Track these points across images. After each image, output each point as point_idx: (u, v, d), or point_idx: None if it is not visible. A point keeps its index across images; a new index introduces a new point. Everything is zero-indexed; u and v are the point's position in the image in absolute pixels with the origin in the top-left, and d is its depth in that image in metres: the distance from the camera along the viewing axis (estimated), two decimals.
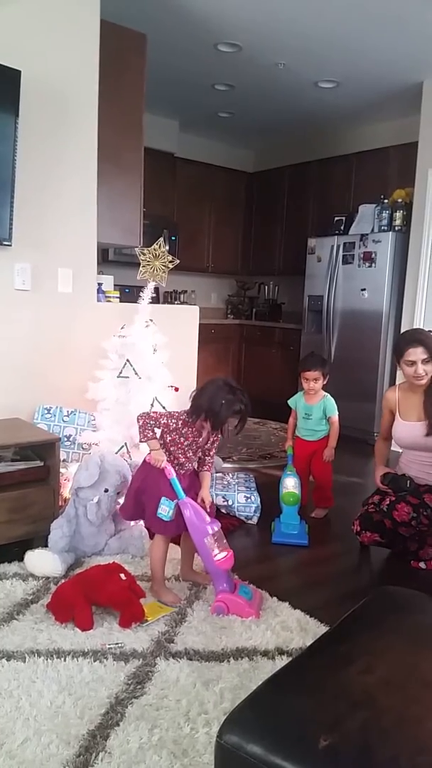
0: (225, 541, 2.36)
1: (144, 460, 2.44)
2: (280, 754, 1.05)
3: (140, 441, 2.38)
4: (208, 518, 2.32)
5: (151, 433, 2.34)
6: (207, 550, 2.29)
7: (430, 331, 3.06)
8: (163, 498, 2.31)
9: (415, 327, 4.99)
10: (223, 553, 2.31)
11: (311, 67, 4.80)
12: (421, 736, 1.09)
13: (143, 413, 2.37)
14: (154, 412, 2.40)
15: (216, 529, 2.32)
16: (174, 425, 2.35)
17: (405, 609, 1.55)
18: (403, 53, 4.43)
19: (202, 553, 2.32)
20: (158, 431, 2.38)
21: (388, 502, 2.80)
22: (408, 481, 2.79)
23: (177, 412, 2.40)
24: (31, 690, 1.80)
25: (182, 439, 2.36)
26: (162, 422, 2.36)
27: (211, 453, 2.48)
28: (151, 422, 2.34)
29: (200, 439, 2.38)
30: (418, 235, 5.01)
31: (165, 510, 2.30)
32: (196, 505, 2.33)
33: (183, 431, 2.35)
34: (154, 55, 4.06)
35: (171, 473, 2.31)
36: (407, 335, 2.95)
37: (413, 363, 2.78)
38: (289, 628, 2.21)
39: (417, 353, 2.76)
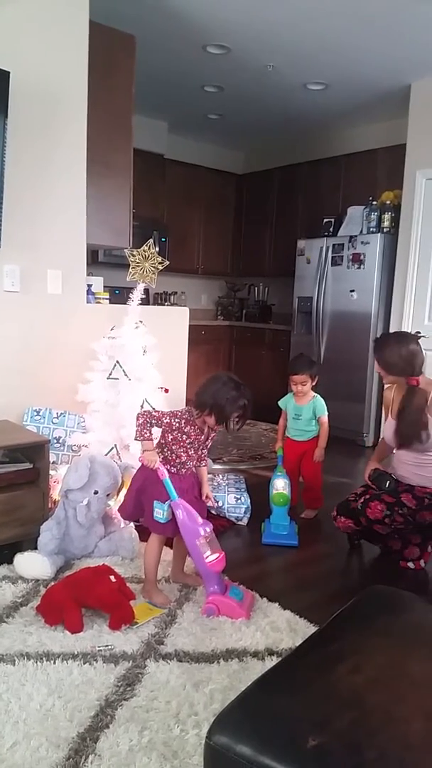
0: (217, 542, 2.37)
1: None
2: (269, 755, 1.06)
3: (135, 439, 2.37)
4: (200, 519, 2.32)
5: (147, 433, 2.33)
6: (199, 551, 2.29)
7: (417, 332, 3.06)
8: (155, 501, 2.31)
9: (401, 329, 5.03)
10: (215, 555, 2.30)
11: (300, 69, 4.82)
12: (408, 734, 1.09)
13: (145, 411, 2.37)
14: (156, 411, 2.40)
15: (208, 530, 2.32)
16: (177, 424, 2.35)
17: (393, 608, 1.56)
18: (392, 56, 4.46)
19: (194, 555, 2.31)
20: (158, 431, 2.37)
21: (362, 501, 2.81)
22: (388, 482, 2.79)
23: (179, 410, 2.40)
24: (20, 693, 1.79)
25: (184, 437, 2.36)
26: (165, 422, 2.36)
27: (207, 449, 2.49)
28: (153, 421, 2.34)
29: (201, 437, 2.39)
30: (406, 236, 5.04)
31: (159, 513, 2.30)
32: (188, 506, 2.32)
33: (185, 429, 2.36)
34: (143, 57, 4.06)
35: (164, 474, 2.31)
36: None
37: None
38: (278, 628, 2.22)
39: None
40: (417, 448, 2.74)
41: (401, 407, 2.76)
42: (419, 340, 2.79)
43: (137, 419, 2.34)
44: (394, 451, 2.96)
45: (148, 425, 2.33)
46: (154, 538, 2.41)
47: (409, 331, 4.98)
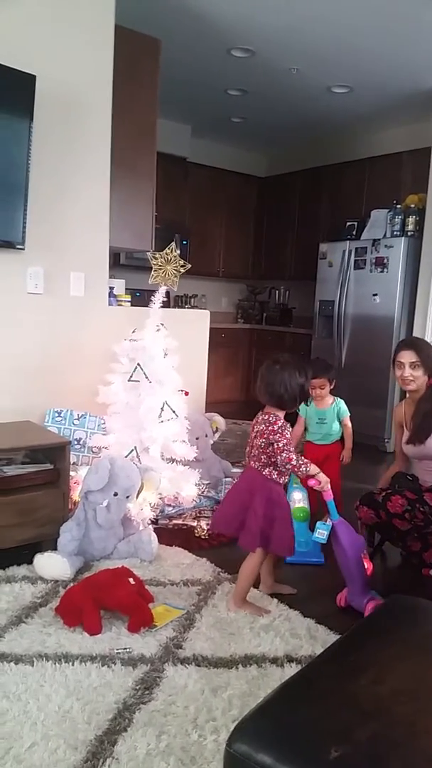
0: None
1: (268, 489, 2.29)
2: (290, 765, 1.04)
3: (304, 470, 2.25)
4: (356, 533, 2.40)
5: (302, 459, 2.27)
6: (362, 563, 2.34)
7: None
8: (318, 522, 2.35)
9: (424, 334, 4.97)
10: (367, 565, 2.37)
11: (324, 73, 4.79)
12: (431, 746, 1.07)
13: (288, 452, 2.23)
14: (281, 435, 2.24)
15: (364, 542, 2.41)
16: (288, 434, 2.29)
17: (416, 618, 1.53)
18: (416, 58, 4.42)
19: (358, 568, 2.34)
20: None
21: (384, 494, 2.79)
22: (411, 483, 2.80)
23: (280, 418, 2.29)
24: (39, 694, 1.79)
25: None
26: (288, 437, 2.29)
27: None
28: (292, 450, 2.26)
29: None
30: (430, 240, 4.98)
31: (322, 534, 2.33)
32: (347, 524, 2.38)
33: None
34: (167, 60, 4.07)
35: (331, 495, 2.32)
36: (404, 339, 2.99)
37: (402, 365, 2.81)
38: (298, 635, 2.19)
39: (406, 356, 2.80)
40: (428, 452, 2.72)
41: (423, 408, 2.79)
42: None
43: (288, 456, 2.22)
44: (414, 462, 2.93)
45: (293, 452, 2.25)
46: (258, 556, 2.34)
47: (427, 336, 4.94)
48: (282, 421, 2.28)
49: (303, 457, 2.28)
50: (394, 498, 2.73)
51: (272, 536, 2.27)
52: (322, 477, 2.27)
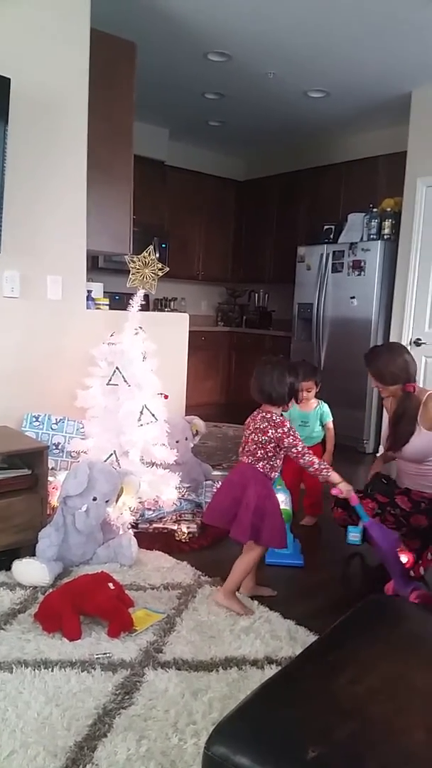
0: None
1: (260, 482, 2.34)
2: (268, 766, 1.05)
3: (328, 473, 2.33)
4: (388, 531, 2.49)
5: (324, 464, 2.35)
6: (399, 558, 2.42)
7: (418, 339, 3.07)
8: (349, 526, 2.52)
9: (401, 336, 5.03)
10: (406, 557, 2.47)
11: (301, 77, 4.83)
12: (409, 746, 1.08)
13: (310, 455, 2.33)
14: (293, 438, 2.32)
15: (398, 537, 2.49)
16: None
17: (393, 618, 1.54)
18: (392, 64, 4.48)
19: (395, 562, 2.43)
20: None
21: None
22: (384, 483, 2.85)
23: (285, 419, 2.38)
24: (18, 701, 1.78)
25: None
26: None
27: None
28: (310, 451, 2.35)
29: None
30: (406, 243, 5.04)
31: (356, 537, 2.55)
32: (378, 524, 2.50)
33: None
34: (144, 64, 4.07)
35: (356, 500, 2.40)
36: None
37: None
38: (278, 637, 2.20)
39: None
40: (408, 456, 2.75)
41: (398, 413, 2.78)
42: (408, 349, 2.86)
43: (311, 460, 2.32)
44: (397, 461, 2.96)
45: (313, 456, 2.34)
46: (257, 552, 2.38)
47: (404, 338, 4.99)
48: (288, 422, 2.36)
49: (324, 462, 2.37)
50: (365, 502, 2.75)
51: (263, 529, 2.30)
52: (344, 486, 2.36)
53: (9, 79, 2.93)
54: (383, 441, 2.96)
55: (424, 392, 2.78)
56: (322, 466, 2.33)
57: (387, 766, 1.04)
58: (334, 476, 2.35)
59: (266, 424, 2.34)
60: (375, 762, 1.04)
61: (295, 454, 2.33)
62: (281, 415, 2.41)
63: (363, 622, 1.53)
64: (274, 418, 2.35)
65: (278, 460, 2.38)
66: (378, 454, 3.16)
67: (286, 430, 2.32)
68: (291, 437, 2.32)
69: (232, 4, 3.74)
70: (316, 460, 2.33)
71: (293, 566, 2.89)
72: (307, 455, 2.32)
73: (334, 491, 2.38)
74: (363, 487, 2.93)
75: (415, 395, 2.74)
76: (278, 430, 2.32)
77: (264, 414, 2.37)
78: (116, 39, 3.74)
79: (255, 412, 2.43)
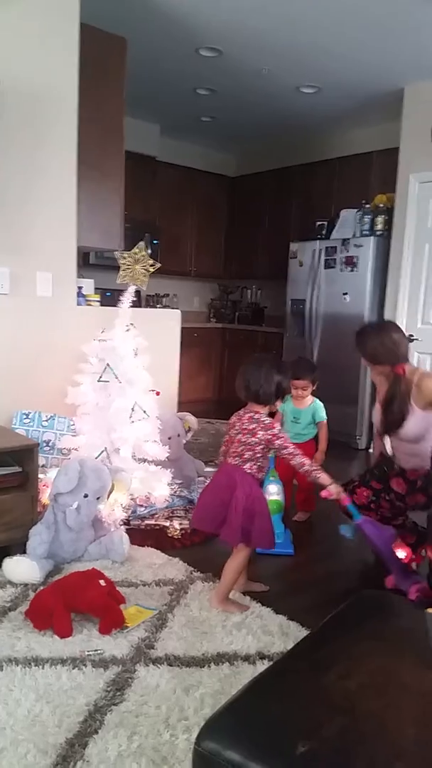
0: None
1: (248, 484, 2.31)
2: (258, 761, 1.04)
3: (318, 475, 2.31)
4: (381, 527, 2.45)
5: (314, 465, 2.32)
6: (395, 554, 2.38)
7: (410, 336, 3.05)
8: (342, 525, 2.43)
9: None
10: (404, 552, 2.41)
11: (293, 73, 4.82)
12: (399, 741, 1.08)
13: (301, 455, 2.30)
14: (279, 438, 2.30)
15: (394, 532, 2.44)
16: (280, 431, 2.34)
17: (384, 613, 1.54)
18: (384, 60, 4.47)
19: (392, 558, 2.39)
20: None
21: (353, 485, 2.82)
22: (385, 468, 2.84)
23: (273, 421, 2.35)
24: (8, 699, 1.77)
25: None
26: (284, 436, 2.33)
27: None
28: (300, 452, 2.33)
29: None
30: (399, 239, 5.04)
31: (347, 532, 2.42)
32: (371, 520, 2.45)
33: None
34: (135, 59, 4.05)
35: (348, 500, 2.37)
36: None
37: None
38: (270, 632, 2.20)
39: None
40: (402, 437, 2.73)
41: (388, 397, 2.72)
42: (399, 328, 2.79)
43: (303, 461, 2.29)
44: (391, 440, 2.91)
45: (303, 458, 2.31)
46: (244, 552, 2.35)
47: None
48: (277, 424, 2.35)
49: (315, 464, 2.35)
50: (360, 490, 2.77)
51: (252, 531, 2.29)
52: (333, 488, 2.33)
53: None
54: (376, 423, 2.91)
55: (414, 372, 2.72)
56: (313, 468, 2.30)
57: (376, 760, 1.04)
58: (324, 478, 2.32)
59: (255, 425, 2.30)
60: (364, 757, 1.04)
61: (286, 456, 2.30)
62: (276, 411, 2.40)
63: (354, 617, 1.53)
64: (263, 419, 2.31)
65: (266, 461, 2.36)
66: (375, 433, 3.12)
67: (276, 432, 2.29)
68: (281, 439, 2.30)
69: None
70: (307, 461, 2.31)
71: (284, 555, 2.91)
72: (298, 456, 2.30)
73: (323, 493, 2.34)
74: (368, 470, 2.92)
75: (406, 377, 2.68)
76: (268, 432, 2.29)
77: (252, 414, 2.33)
78: (106, 34, 3.72)
79: (241, 411, 2.38)
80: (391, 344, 2.67)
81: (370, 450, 5.20)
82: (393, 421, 2.71)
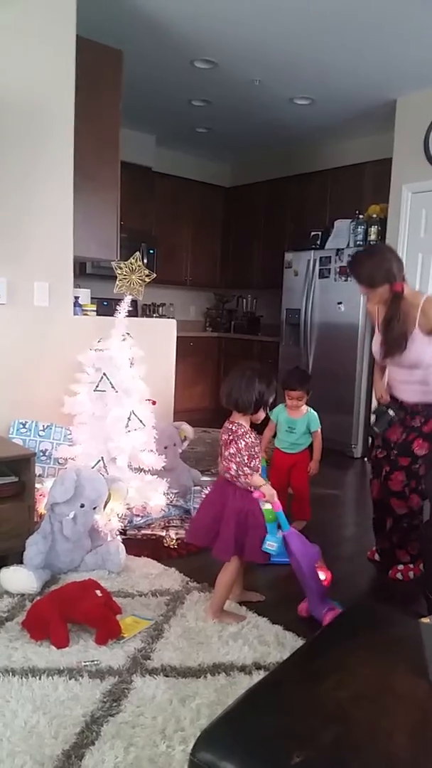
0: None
1: (239, 498, 2.29)
2: None
3: (243, 483, 2.24)
4: (309, 543, 2.38)
5: (248, 470, 2.23)
6: (317, 574, 2.33)
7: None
8: (267, 536, 2.28)
9: None
10: (324, 575, 2.40)
11: (286, 84, 4.87)
12: (392, 749, 1.09)
13: (229, 461, 2.23)
14: (237, 444, 2.23)
15: (319, 551, 2.38)
16: (250, 441, 2.27)
17: (378, 623, 1.56)
18: (377, 71, 4.52)
19: (311, 578, 2.33)
20: (255, 462, 2.27)
21: (384, 472, 2.84)
22: (389, 420, 2.84)
23: (242, 426, 2.28)
24: (5, 710, 1.77)
25: (257, 449, 2.30)
26: (256, 451, 2.28)
27: None
28: (244, 458, 2.22)
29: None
30: None
31: (272, 545, 2.28)
32: (299, 534, 2.36)
33: (253, 441, 2.29)
34: (130, 71, 4.09)
35: (279, 506, 2.29)
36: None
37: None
38: (266, 642, 2.20)
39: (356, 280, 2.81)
40: (403, 362, 2.72)
41: (388, 317, 2.70)
42: (391, 249, 2.78)
43: (228, 465, 2.22)
44: (388, 369, 2.90)
45: (243, 463, 2.23)
46: (235, 564, 2.33)
47: None
48: (244, 428, 2.28)
49: (247, 468, 2.23)
50: (395, 475, 2.79)
51: (246, 544, 2.28)
52: (267, 489, 2.26)
53: None
54: (375, 352, 2.86)
55: (418, 295, 2.72)
56: (240, 473, 2.21)
57: None
58: (256, 479, 2.25)
59: (229, 435, 2.27)
60: (359, 766, 1.05)
61: (225, 456, 2.25)
62: (259, 422, 2.35)
63: (348, 628, 1.54)
64: (233, 427, 2.27)
65: (254, 461, 2.28)
66: (375, 372, 3.11)
67: (235, 436, 2.24)
68: (233, 442, 2.24)
69: (218, 12, 3.77)
70: (233, 466, 2.22)
71: (281, 564, 2.91)
72: (227, 461, 2.23)
73: (255, 494, 2.26)
74: (373, 420, 2.95)
75: (406, 297, 2.67)
76: (232, 435, 2.26)
77: (230, 426, 2.30)
78: (103, 47, 3.76)
79: (226, 423, 2.34)
80: (387, 264, 2.67)
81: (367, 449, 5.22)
82: (394, 340, 2.68)
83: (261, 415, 2.31)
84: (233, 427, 2.28)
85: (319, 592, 2.36)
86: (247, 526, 2.27)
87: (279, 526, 2.35)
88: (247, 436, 2.27)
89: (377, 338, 2.83)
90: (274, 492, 2.28)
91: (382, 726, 1.15)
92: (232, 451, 2.23)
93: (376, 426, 2.91)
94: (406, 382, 2.81)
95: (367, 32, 3.92)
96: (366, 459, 2.93)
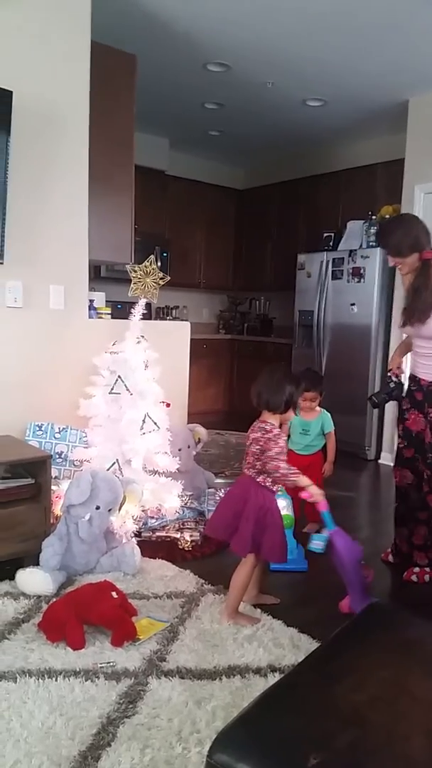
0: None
1: (261, 496, 2.32)
2: None
3: (290, 479, 2.28)
4: (352, 541, 2.41)
5: (292, 469, 2.29)
6: (360, 571, 2.37)
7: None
8: (314, 534, 2.41)
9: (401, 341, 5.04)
10: (366, 572, 2.43)
11: (299, 86, 4.87)
12: (409, 752, 1.09)
13: (278, 460, 2.27)
14: (274, 444, 2.28)
15: (361, 549, 2.41)
16: (282, 441, 2.32)
17: (393, 625, 1.55)
18: (389, 72, 4.51)
19: (356, 575, 2.36)
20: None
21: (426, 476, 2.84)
22: (390, 390, 2.88)
23: (275, 426, 2.33)
24: (22, 711, 1.79)
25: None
26: (281, 445, 2.31)
27: None
28: (283, 459, 2.29)
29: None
30: None
31: (319, 544, 2.37)
32: (343, 532, 2.40)
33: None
34: (144, 75, 4.11)
35: (325, 506, 2.33)
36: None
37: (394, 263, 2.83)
38: (281, 645, 2.21)
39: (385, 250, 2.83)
40: (425, 332, 2.71)
41: (416, 285, 2.72)
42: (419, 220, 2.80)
43: (277, 465, 2.26)
44: (413, 342, 2.91)
45: (284, 461, 2.29)
46: (249, 564, 2.36)
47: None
48: (277, 429, 2.33)
49: (294, 468, 2.30)
50: (403, 471, 2.85)
51: (263, 542, 2.30)
52: (314, 489, 2.31)
53: (11, 92, 2.97)
54: (397, 318, 2.88)
55: None
56: (288, 472, 2.26)
57: None
58: (303, 479, 2.30)
59: (259, 434, 2.31)
60: None
61: (266, 459, 2.27)
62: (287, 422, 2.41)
63: (364, 629, 1.54)
64: (266, 426, 2.32)
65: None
66: (394, 351, 3.13)
67: (271, 435, 2.28)
68: (271, 441, 2.27)
69: (231, 15, 3.78)
70: (282, 465, 2.26)
71: (297, 571, 2.90)
72: (275, 460, 2.26)
73: (303, 494, 2.33)
74: (379, 389, 2.96)
75: None
76: (265, 435, 2.29)
77: (260, 424, 2.34)
78: (117, 51, 3.78)
79: (254, 422, 2.40)
80: (414, 231, 2.71)
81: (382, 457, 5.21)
82: (419, 309, 2.68)
83: (290, 414, 2.38)
84: (267, 427, 2.32)
85: (361, 588, 2.39)
86: (265, 524, 2.29)
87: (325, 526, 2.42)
88: (282, 437, 2.33)
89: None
90: (321, 492, 2.33)
91: (399, 729, 1.15)
92: (276, 450, 2.27)
93: (375, 396, 2.95)
94: (427, 356, 2.78)
95: (379, 33, 3.92)
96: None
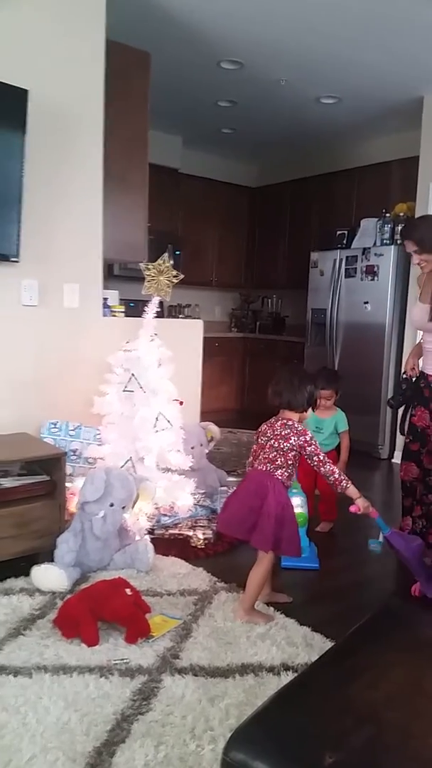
0: None
1: (279, 491, 2.33)
2: None
3: (344, 488, 2.34)
4: (410, 538, 2.44)
5: (344, 475, 2.35)
6: (423, 562, 2.37)
7: None
8: (370, 540, 2.55)
9: (415, 341, 5.01)
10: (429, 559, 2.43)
11: (312, 83, 4.85)
12: (425, 751, 1.09)
13: (331, 464, 2.35)
14: (312, 447, 2.34)
15: (421, 543, 2.42)
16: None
17: (410, 623, 1.55)
18: (404, 69, 4.48)
19: (421, 566, 2.36)
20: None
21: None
22: (403, 391, 2.96)
23: (297, 427, 2.36)
24: (37, 706, 1.80)
25: None
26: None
27: None
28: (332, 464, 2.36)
29: None
30: None
31: (376, 547, 2.55)
32: (399, 533, 2.47)
33: None
34: (158, 73, 4.11)
35: (376, 513, 2.36)
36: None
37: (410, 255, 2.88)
38: (294, 643, 2.21)
39: (408, 246, 2.84)
40: None
41: None
42: None
43: (332, 469, 2.33)
44: (424, 338, 2.94)
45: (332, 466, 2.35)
46: (267, 561, 2.37)
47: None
48: (297, 425, 2.36)
49: (344, 474, 2.36)
50: (409, 465, 2.87)
51: (282, 537, 2.30)
52: (362, 502, 2.32)
53: (27, 91, 2.99)
54: (416, 321, 2.96)
55: None
56: (342, 478, 2.32)
57: None
58: (353, 490, 2.32)
59: (288, 431, 2.33)
60: (391, 767, 1.05)
61: (315, 463, 2.33)
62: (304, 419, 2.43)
63: (379, 628, 1.54)
64: (296, 425, 2.35)
65: (294, 469, 2.38)
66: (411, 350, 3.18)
67: (308, 438, 2.33)
68: (313, 446, 2.33)
69: (244, 12, 3.77)
70: (336, 470, 2.33)
71: (310, 569, 2.90)
72: (327, 464, 2.33)
73: (352, 508, 2.32)
74: (393, 392, 3.04)
75: None
76: (300, 438, 2.32)
77: (285, 421, 2.37)
78: (131, 49, 3.78)
79: (273, 419, 2.42)
80: None
81: (395, 459, 5.20)
82: None
83: (309, 413, 2.42)
84: (299, 428, 2.35)
85: (428, 575, 2.38)
86: (284, 520, 2.30)
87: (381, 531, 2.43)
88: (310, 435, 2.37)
89: (423, 307, 2.85)
90: (369, 504, 2.34)
91: (415, 727, 1.14)
92: (323, 455, 2.34)
93: (392, 399, 3.05)
94: None
95: (393, 29, 3.89)
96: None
